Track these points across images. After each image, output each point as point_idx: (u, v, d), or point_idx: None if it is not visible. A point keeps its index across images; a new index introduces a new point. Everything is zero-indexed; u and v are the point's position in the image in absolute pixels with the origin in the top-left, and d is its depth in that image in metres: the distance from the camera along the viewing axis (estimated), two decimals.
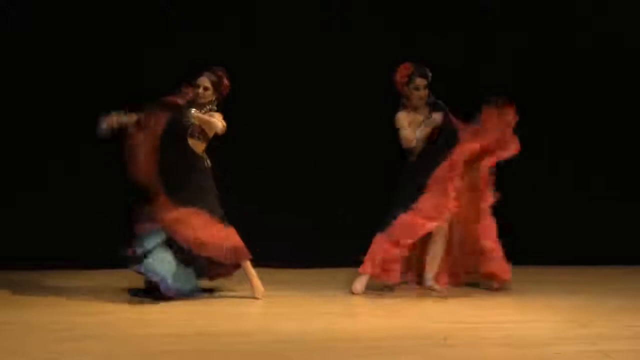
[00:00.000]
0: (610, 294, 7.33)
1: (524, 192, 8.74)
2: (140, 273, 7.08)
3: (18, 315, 6.51)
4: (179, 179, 7.21)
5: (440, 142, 7.48)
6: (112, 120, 7.24)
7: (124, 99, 8.36)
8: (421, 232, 7.34)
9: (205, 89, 7.26)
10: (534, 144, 8.80)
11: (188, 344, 5.74)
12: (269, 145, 8.60)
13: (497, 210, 8.55)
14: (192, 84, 7.29)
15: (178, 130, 7.22)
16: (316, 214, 8.61)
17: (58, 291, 7.34)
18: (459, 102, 8.61)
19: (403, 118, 7.44)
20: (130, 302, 7.00)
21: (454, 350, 5.62)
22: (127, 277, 7.76)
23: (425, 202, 7.32)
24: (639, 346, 5.69)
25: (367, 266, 7.37)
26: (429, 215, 7.30)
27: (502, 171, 8.62)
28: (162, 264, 7.05)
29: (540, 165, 8.80)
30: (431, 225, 7.32)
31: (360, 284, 7.38)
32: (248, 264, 7.25)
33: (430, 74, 7.41)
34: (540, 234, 8.70)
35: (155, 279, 7.01)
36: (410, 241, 7.33)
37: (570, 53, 8.87)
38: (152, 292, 7.09)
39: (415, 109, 7.46)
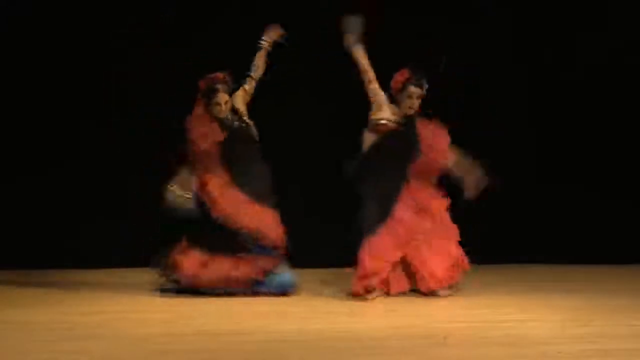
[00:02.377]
0: (610, 293, 7.33)
1: (524, 192, 8.75)
2: None
3: (18, 315, 6.52)
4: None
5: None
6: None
7: (120, 99, 8.43)
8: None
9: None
10: (534, 144, 8.84)
11: (188, 344, 5.74)
12: (266, 145, 8.59)
13: (498, 211, 8.60)
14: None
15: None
16: (317, 214, 8.62)
17: (58, 291, 7.35)
18: (458, 104, 8.68)
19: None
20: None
21: (454, 349, 5.61)
22: (127, 277, 7.79)
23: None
24: (639, 345, 5.69)
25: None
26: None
27: (501, 171, 8.67)
28: None
29: (540, 165, 8.81)
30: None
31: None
32: None
33: (426, 85, 7.22)
34: (540, 233, 8.71)
35: None
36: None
37: (569, 56, 8.89)
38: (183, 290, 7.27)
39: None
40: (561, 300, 7.07)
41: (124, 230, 8.18)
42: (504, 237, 8.58)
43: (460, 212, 8.51)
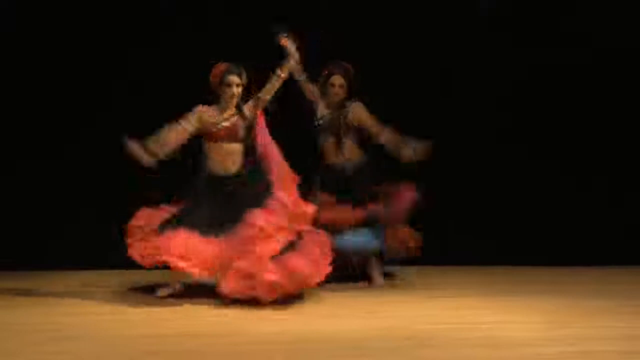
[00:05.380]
0: (590, 295, 7.37)
1: (508, 193, 8.79)
2: None
3: (4, 316, 6.55)
4: None
5: None
6: None
7: (111, 100, 8.45)
8: None
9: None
10: (527, 144, 8.86)
11: (173, 345, 5.78)
12: None
13: (485, 211, 8.64)
14: None
15: None
16: None
17: (45, 292, 7.36)
18: (460, 107, 8.72)
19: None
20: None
21: (434, 351, 5.66)
22: (114, 278, 7.82)
23: None
24: (618, 347, 5.73)
25: None
26: None
27: (492, 172, 8.71)
28: None
29: (526, 167, 8.84)
30: None
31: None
32: None
33: (244, 73, 7.31)
34: (521, 235, 8.74)
35: None
36: None
37: (566, 56, 8.91)
38: None
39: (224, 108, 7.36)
40: (542, 302, 7.10)
41: (110, 231, 8.18)
42: (486, 239, 8.61)
43: (444, 214, 8.61)
